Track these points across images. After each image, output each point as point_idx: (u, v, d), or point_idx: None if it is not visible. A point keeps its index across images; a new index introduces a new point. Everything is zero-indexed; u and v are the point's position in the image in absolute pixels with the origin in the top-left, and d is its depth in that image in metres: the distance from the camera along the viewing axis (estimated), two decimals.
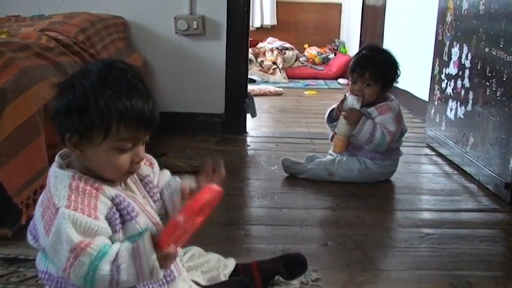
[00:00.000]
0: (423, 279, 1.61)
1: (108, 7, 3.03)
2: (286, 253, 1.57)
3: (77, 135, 1.09)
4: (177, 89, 3.19)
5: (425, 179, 2.61)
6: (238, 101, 3.24)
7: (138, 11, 3.09)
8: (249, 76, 3.74)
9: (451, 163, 2.80)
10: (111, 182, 1.15)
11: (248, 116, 3.33)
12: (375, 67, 2.39)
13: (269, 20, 7.27)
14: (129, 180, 1.22)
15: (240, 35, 3.15)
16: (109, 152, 1.10)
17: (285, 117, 3.97)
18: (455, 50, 2.82)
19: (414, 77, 4.18)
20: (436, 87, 3.07)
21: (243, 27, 3.15)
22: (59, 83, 1.15)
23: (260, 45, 6.37)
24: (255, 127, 3.48)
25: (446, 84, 2.91)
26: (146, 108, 1.10)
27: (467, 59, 2.67)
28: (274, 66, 5.82)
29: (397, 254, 1.79)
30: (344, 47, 6.90)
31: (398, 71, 2.47)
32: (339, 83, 5.63)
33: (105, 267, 1.02)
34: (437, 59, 3.08)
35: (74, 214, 1.03)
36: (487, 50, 2.45)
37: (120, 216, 1.12)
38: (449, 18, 2.92)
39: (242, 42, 3.17)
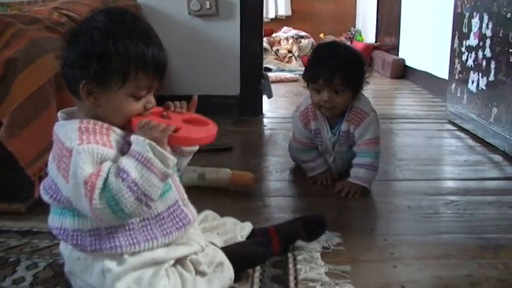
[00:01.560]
0: (451, 243, 1.54)
1: None
2: (304, 215, 1.51)
3: (93, 82, 1.07)
4: (191, 71, 3.15)
5: (448, 152, 2.54)
6: (254, 82, 3.18)
7: None
8: (265, 65, 3.70)
9: (474, 136, 2.72)
10: None
11: (264, 97, 3.28)
12: (345, 69, 1.86)
13: (283, 10, 7.23)
14: None
15: (254, 13, 3.10)
16: (125, 98, 1.10)
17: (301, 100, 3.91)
18: (475, 21, 2.74)
19: (433, 57, 4.14)
20: (457, 60, 2.99)
21: (256, 5, 3.09)
22: (66, 32, 1.12)
23: (275, 34, 6.31)
24: (271, 109, 3.43)
25: (467, 56, 2.83)
26: (161, 55, 1.11)
27: (488, 28, 2.59)
28: (290, 55, 5.76)
29: (422, 219, 1.72)
30: (360, 35, 6.84)
31: (365, 68, 1.97)
32: None
33: (113, 179, 1.01)
34: (457, 32, 3.00)
35: (88, 146, 1.02)
36: (509, 15, 2.37)
37: None
38: None
39: (256, 21, 3.12)
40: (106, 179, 1.01)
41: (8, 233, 1.57)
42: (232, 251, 1.28)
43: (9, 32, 1.65)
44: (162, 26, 3.06)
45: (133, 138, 1.06)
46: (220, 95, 3.17)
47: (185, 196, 1.23)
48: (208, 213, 1.41)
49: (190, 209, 1.22)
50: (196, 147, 1.27)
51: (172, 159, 1.06)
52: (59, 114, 1.16)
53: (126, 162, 1.02)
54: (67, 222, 1.11)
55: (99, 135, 1.06)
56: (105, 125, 1.09)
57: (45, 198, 1.14)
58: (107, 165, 1.03)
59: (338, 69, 1.85)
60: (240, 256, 1.28)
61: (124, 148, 1.09)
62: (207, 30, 3.11)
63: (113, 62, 1.06)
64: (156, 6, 3.07)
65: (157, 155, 1.04)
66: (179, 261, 1.17)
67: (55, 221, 1.14)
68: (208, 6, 3.04)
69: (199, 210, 1.29)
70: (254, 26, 3.12)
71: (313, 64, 1.95)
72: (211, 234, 1.34)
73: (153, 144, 1.03)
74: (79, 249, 1.11)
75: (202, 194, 1.71)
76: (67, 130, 1.07)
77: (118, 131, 1.11)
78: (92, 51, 1.06)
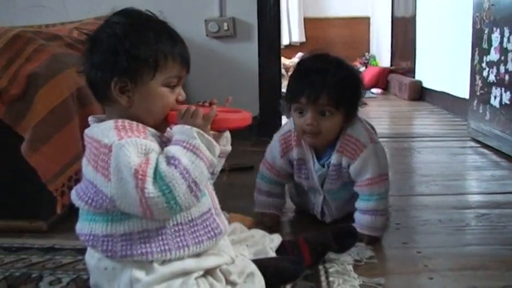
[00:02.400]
0: (486, 254, 1.49)
1: None
2: (334, 226, 1.46)
3: (125, 77, 1.07)
4: (210, 93, 3.09)
5: (473, 167, 2.49)
6: (273, 103, 3.15)
7: (168, 15, 3.04)
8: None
9: (498, 152, 2.67)
10: None
11: (283, 118, 3.24)
12: (335, 85, 1.50)
13: (297, 37, 7.26)
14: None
15: (271, 34, 3.10)
16: (159, 89, 1.10)
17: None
18: (495, 36, 2.71)
19: (451, 77, 4.11)
20: (477, 77, 2.95)
21: (274, 26, 3.09)
22: (88, 37, 1.11)
23: (290, 60, 6.33)
24: None
25: (488, 72, 2.79)
26: (186, 48, 1.14)
27: (509, 42, 2.56)
28: None
29: (455, 232, 1.66)
30: (375, 60, 6.83)
31: (362, 87, 1.60)
32: (372, 93, 5.52)
33: (165, 166, 0.99)
34: (477, 48, 2.97)
35: (130, 139, 1.01)
36: None
37: None
38: (486, 5, 2.82)
39: (274, 42, 3.12)
40: (156, 168, 0.99)
41: (29, 250, 1.53)
42: (264, 264, 1.24)
43: (31, 48, 1.64)
44: None
45: (177, 128, 1.05)
46: None
47: (218, 205, 1.20)
48: (237, 225, 1.38)
49: (222, 220, 1.18)
50: (229, 148, 1.25)
51: (218, 147, 1.06)
52: (90, 118, 1.15)
53: (176, 151, 1.01)
54: (98, 228, 1.07)
55: (136, 132, 1.04)
56: (140, 125, 1.08)
57: (79, 203, 1.10)
58: (154, 155, 1.01)
59: (325, 85, 1.49)
60: (272, 269, 1.24)
61: (162, 147, 1.06)
62: (225, 52, 3.11)
63: (142, 51, 1.06)
64: (174, 28, 3.06)
65: (205, 142, 1.03)
66: (209, 272, 1.13)
67: (84, 227, 1.10)
68: (226, 27, 3.04)
69: None
70: (272, 46, 3.11)
71: (295, 79, 1.58)
72: (240, 247, 1.29)
73: (201, 131, 1.03)
74: (108, 256, 1.07)
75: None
76: (102, 129, 1.04)
77: (153, 130, 1.10)
78: (119, 46, 1.06)
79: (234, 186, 2.10)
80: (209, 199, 1.16)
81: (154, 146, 1.04)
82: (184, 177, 0.99)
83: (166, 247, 1.07)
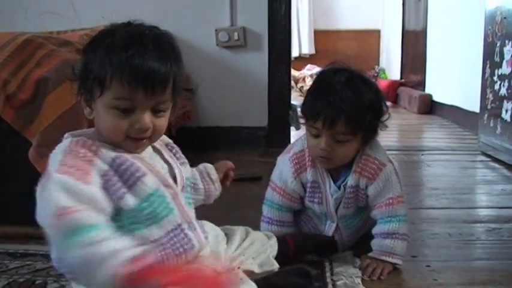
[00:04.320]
0: (497, 269, 1.46)
1: (148, 22, 3.00)
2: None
3: (85, 90, 1.05)
4: (219, 102, 3.13)
5: (483, 181, 2.46)
6: (282, 113, 3.15)
7: (178, 25, 3.05)
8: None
9: (509, 166, 2.65)
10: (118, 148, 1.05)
11: (292, 129, 3.24)
12: (355, 111, 1.35)
13: (307, 49, 7.26)
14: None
15: (281, 44, 3.09)
16: (107, 110, 1.02)
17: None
18: (507, 49, 2.69)
19: (461, 91, 4.09)
20: (488, 90, 2.93)
21: (284, 36, 3.09)
22: None
23: (299, 72, 6.33)
24: None
25: (500, 85, 2.77)
26: (145, 64, 0.99)
27: None
28: None
29: (465, 246, 1.64)
30: (384, 73, 6.82)
31: (385, 108, 1.44)
32: None
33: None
34: (488, 62, 2.95)
35: (62, 177, 0.95)
36: None
37: (125, 181, 1.01)
38: (498, 18, 2.81)
39: (284, 52, 3.11)
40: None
41: (34, 256, 1.52)
42: (273, 284, 1.23)
43: (41, 53, 1.65)
44: (191, 58, 3.05)
45: None
46: (248, 127, 3.14)
47: (192, 219, 1.12)
48: (241, 231, 1.32)
49: (197, 234, 1.10)
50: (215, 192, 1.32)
51: None
52: (66, 135, 1.09)
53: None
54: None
55: (79, 163, 0.98)
56: (94, 147, 1.02)
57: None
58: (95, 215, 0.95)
59: (343, 110, 1.34)
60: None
61: (103, 179, 0.99)
62: (235, 61, 3.10)
63: (89, 67, 1.03)
64: (185, 38, 3.04)
65: None
66: None
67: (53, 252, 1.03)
68: (236, 37, 3.03)
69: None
70: (282, 57, 3.10)
71: (312, 96, 1.43)
72: (246, 261, 1.24)
73: None
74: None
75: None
76: (57, 151, 1.01)
77: (108, 154, 1.02)
78: (83, 59, 1.07)
79: (242, 196, 2.09)
80: (178, 215, 1.08)
81: (91, 192, 0.96)
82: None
83: None
